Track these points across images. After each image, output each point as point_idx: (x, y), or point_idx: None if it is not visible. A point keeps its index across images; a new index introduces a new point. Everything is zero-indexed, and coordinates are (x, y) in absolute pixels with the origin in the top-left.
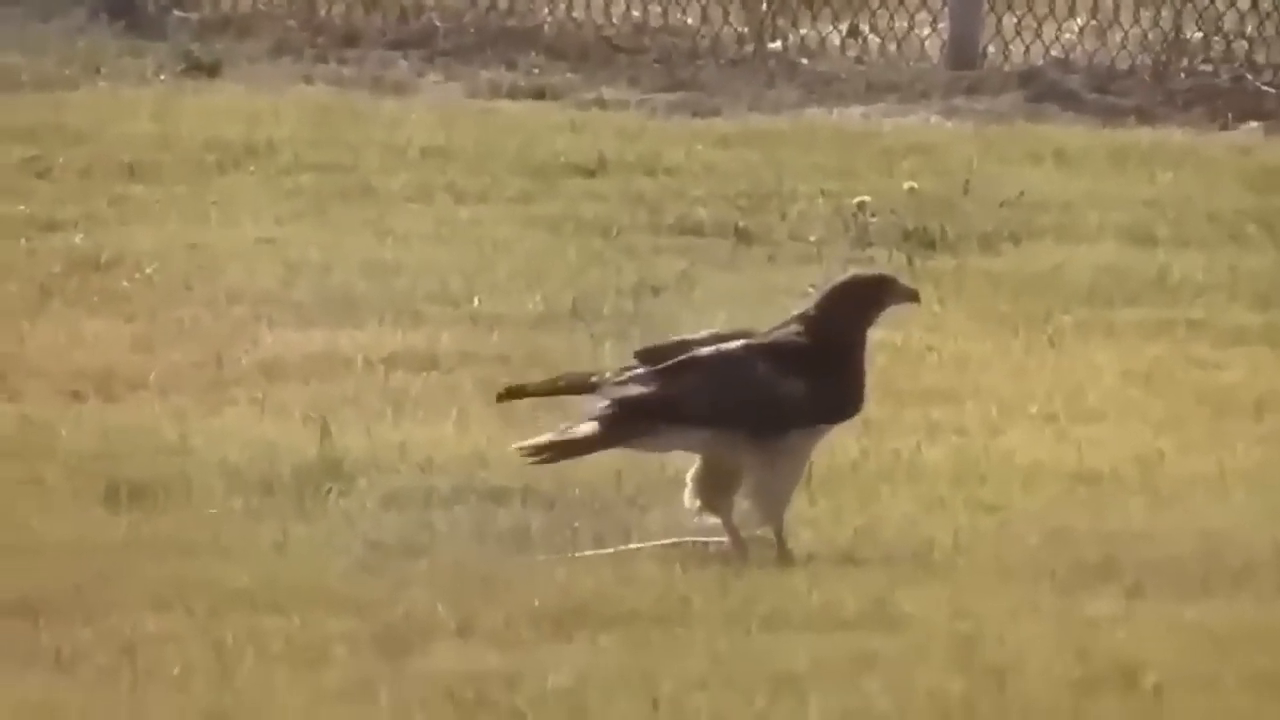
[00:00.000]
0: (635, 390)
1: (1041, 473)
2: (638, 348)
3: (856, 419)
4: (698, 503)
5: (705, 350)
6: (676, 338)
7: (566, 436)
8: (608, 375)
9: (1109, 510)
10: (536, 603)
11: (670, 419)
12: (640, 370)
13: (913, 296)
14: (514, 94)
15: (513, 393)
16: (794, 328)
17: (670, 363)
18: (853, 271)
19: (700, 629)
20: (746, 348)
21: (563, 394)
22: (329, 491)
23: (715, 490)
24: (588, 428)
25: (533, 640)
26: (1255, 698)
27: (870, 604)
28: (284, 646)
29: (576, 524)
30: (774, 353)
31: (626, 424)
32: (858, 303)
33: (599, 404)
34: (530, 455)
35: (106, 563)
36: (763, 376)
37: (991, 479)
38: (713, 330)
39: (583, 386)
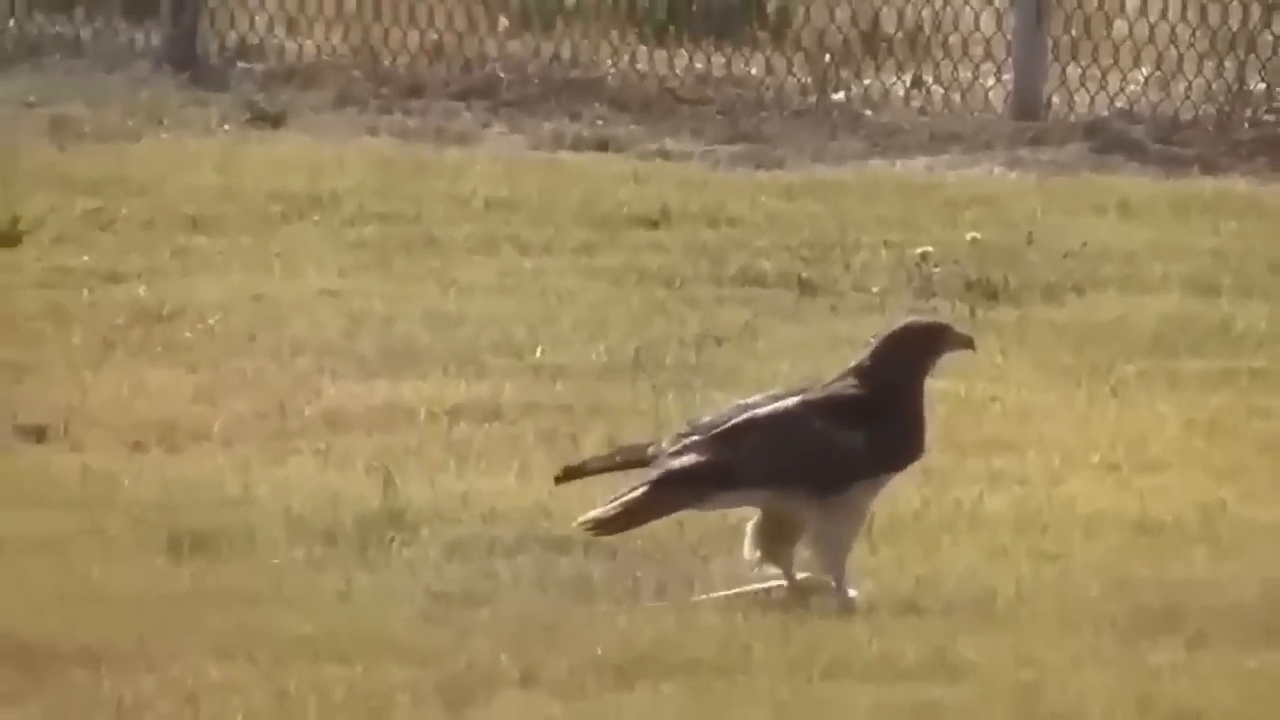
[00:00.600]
0: (692, 458)
1: (1104, 522)
2: (691, 417)
3: (918, 469)
4: (758, 553)
5: (761, 411)
6: (734, 403)
7: (626, 507)
8: (664, 445)
9: (1171, 559)
10: (599, 652)
11: (728, 485)
12: (696, 438)
13: (968, 344)
14: (577, 145)
15: (570, 473)
16: (850, 380)
17: (726, 426)
18: (907, 319)
19: (762, 677)
20: (803, 404)
21: (621, 469)
22: (392, 541)
23: (775, 540)
24: (646, 497)
25: (595, 690)
26: None
27: (932, 653)
28: (347, 696)
29: (639, 573)
30: (830, 407)
31: (685, 492)
32: (913, 350)
33: (656, 474)
34: (592, 528)
35: (169, 612)
36: (821, 433)
37: (1054, 528)
38: (770, 391)
39: (640, 460)
